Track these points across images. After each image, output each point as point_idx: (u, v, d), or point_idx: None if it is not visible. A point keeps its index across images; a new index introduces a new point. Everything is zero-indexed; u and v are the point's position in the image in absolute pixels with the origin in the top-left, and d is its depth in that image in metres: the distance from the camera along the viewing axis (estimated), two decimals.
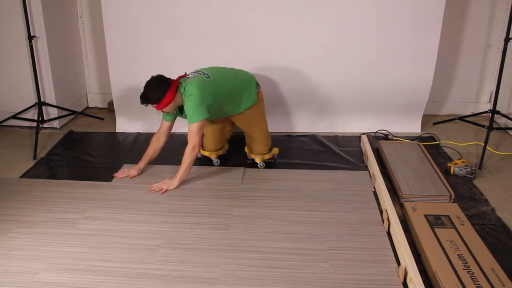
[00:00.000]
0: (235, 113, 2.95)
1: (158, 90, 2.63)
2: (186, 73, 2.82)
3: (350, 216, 2.52)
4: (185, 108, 2.69)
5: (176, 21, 3.42)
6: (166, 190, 2.79)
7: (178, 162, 3.15)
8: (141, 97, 2.68)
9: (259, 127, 3.04)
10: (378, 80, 3.54)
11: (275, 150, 3.16)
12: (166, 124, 2.89)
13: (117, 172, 2.99)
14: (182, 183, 2.84)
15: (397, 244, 2.23)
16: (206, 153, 3.15)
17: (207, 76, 2.80)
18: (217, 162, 3.15)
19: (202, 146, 3.10)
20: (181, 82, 2.72)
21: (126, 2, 3.39)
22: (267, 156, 3.09)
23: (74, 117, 3.97)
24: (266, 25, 3.41)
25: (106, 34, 3.48)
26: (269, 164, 3.13)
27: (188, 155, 2.73)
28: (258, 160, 3.08)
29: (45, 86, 3.66)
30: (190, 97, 2.65)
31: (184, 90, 2.69)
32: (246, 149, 3.18)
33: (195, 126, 2.67)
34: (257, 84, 3.00)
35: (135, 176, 2.95)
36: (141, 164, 2.97)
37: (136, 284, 2.05)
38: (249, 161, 3.15)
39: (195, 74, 2.82)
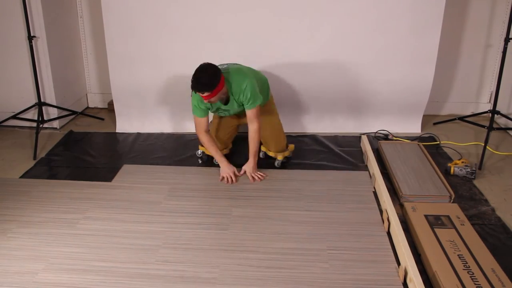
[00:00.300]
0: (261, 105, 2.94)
1: (213, 78, 2.61)
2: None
3: (350, 216, 2.52)
4: (245, 96, 2.73)
5: (176, 21, 3.42)
6: (260, 175, 2.90)
7: (177, 162, 3.16)
8: (197, 84, 2.60)
9: (272, 125, 3.05)
10: (378, 80, 3.54)
11: (291, 147, 3.18)
12: (203, 120, 2.84)
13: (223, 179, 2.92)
14: (181, 182, 2.86)
15: (397, 244, 2.23)
16: (209, 152, 3.15)
17: (241, 66, 2.90)
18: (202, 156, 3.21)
19: (203, 144, 3.09)
20: (223, 73, 2.71)
21: (126, 2, 3.39)
22: (287, 153, 3.12)
23: (74, 117, 3.97)
24: (267, 25, 3.41)
25: (106, 34, 3.48)
26: (269, 165, 3.13)
27: (257, 135, 2.86)
28: (279, 157, 3.08)
29: (45, 86, 3.66)
30: (248, 84, 2.72)
31: (231, 79, 2.73)
32: (262, 148, 3.17)
33: (256, 110, 2.79)
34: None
35: (237, 175, 2.93)
36: (225, 161, 2.93)
37: (136, 284, 2.05)
38: (269, 159, 3.15)
39: (226, 65, 2.86)
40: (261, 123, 2.87)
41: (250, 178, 2.89)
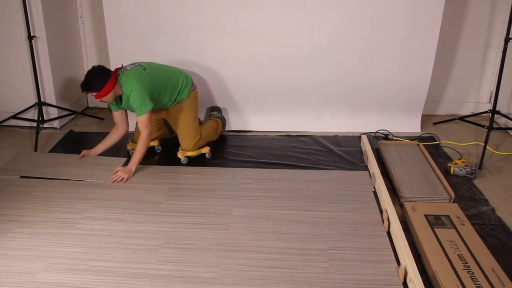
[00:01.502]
0: (166, 107, 3.12)
1: (100, 79, 2.76)
2: (122, 65, 2.96)
3: (350, 216, 2.52)
4: (131, 101, 2.84)
5: (177, 21, 3.42)
6: (127, 178, 2.90)
7: (177, 162, 3.16)
8: (82, 85, 2.80)
9: (185, 121, 3.12)
10: (377, 80, 3.54)
11: (205, 149, 3.22)
12: (116, 114, 3.05)
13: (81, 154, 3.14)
14: (181, 182, 2.86)
15: (397, 244, 2.23)
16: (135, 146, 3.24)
17: (143, 68, 2.94)
18: (159, 149, 3.32)
19: (133, 140, 3.27)
20: (119, 73, 2.85)
21: (127, 2, 3.39)
22: (189, 153, 3.15)
23: (74, 117, 3.97)
24: (266, 24, 3.41)
25: (108, 34, 3.48)
26: (269, 165, 3.14)
27: (145, 142, 2.92)
28: (179, 155, 3.14)
29: (45, 86, 3.66)
30: (134, 90, 2.81)
31: (123, 81, 2.84)
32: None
33: (145, 117, 2.86)
34: (192, 84, 3.19)
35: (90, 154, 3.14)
36: (98, 150, 3.14)
37: (136, 284, 2.05)
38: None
39: (132, 66, 2.96)
40: (151, 131, 2.93)
41: (114, 175, 2.90)
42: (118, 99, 2.95)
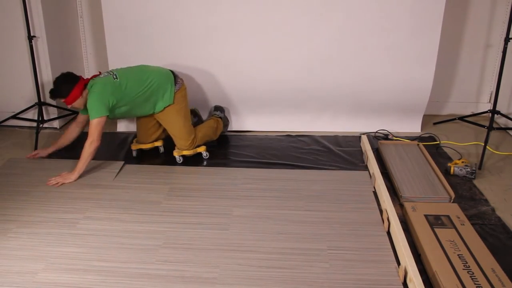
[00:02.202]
0: (151, 113, 3.11)
1: (65, 86, 2.82)
2: (100, 72, 2.99)
3: (350, 216, 2.52)
4: (87, 104, 2.86)
5: (176, 21, 3.42)
6: (62, 183, 2.87)
7: (177, 162, 3.16)
8: (50, 91, 2.85)
9: (177, 124, 3.13)
10: (378, 80, 3.54)
11: (201, 148, 3.23)
12: (82, 116, 3.13)
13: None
14: (181, 182, 2.85)
15: (397, 244, 2.23)
16: (141, 146, 3.27)
17: (115, 77, 2.94)
18: (162, 150, 3.32)
19: (137, 140, 3.31)
20: (91, 81, 2.90)
21: (127, 2, 3.39)
22: (185, 152, 3.17)
23: (74, 117, 3.96)
24: (267, 24, 3.41)
25: (107, 34, 3.48)
26: (269, 165, 3.14)
27: (87, 149, 2.87)
28: (175, 154, 3.16)
29: (45, 86, 3.66)
30: (91, 94, 2.84)
31: (91, 88, 2.87)
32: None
33: (94, 122, 2.83)
34: (176, 83, 3.11)
35: (42, 156, 3.19)
36: (51, 149, 3.21)
37: (136, 284, 2.05)
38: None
39: (106, 74, 2.98)
40: (98, 139, 2.85)
41: (53, 180, 2.87)
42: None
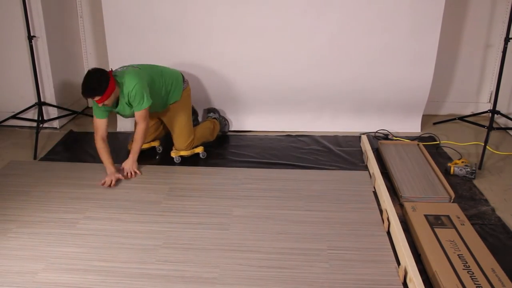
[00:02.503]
0: (158, 110, 3.10)
1: (102, 81, 2.69)
2: (112, 69, 2.90)
3: (350, 216, 2.52)
4: (132, 98, 2.80)
5: (176, 21, 3.42)
6: (135, 172, 2.95)
7: (176, 163, 3.16)
8: (84, 90, 2.69)
9: (179, 122, 3.13)
10: (378, 80, 3.54)
11: (199, 149, 3.23)
12: (103, 122, 2.89)
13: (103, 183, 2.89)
14: (181, 182, 2.87)
15: (397, 244, 2.23)
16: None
17: (135, 67, 2.94)
18: (160, 149, 3.32)
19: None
20: (114, 76, 2.81)
21: (127, 2, 3.39)
22: (183, 153, 3.17)
23: (74, 117, 3.97)
24: (267, 24, 3.41)
25: (107, 34, 3.48)
26: (269, 165, 3.14)
27: (143, 134, 2.92)
28: (172, 154, 3.16)
29: (45, 86, 3.66)
30: (136, 87, 2.77)
31: (123, 80, 2.79)
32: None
33: (144, 112, 2.85)
34: (183, 81, 3.16)
35: (118, 178, 2.91)
36: (112, 167, 2.92)
37: (136, 284, 2.05)
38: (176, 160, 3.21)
39: (125, 67, 2.93)
40: (148, 125, 2.94)
41: (127, 174, 2.95)
42: (114, 105, 2.89)
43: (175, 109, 3.12)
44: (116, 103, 2.88)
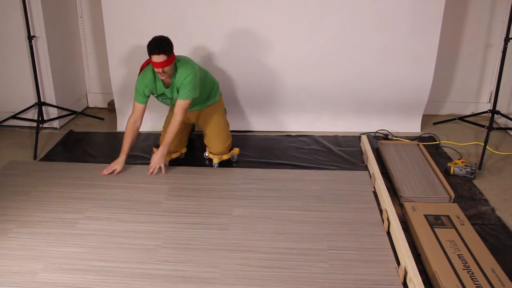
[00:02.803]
0: (200, 108, 3.08)
1: (170, 46, 2.72)
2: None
3: (350, 216, 2.52)
4: (184, 85, 2.79)
5: (176, 21, 3.42)
6: (160, 168, 2.93)
7: (177, 162, 3.16)
8: (155, 45, 2.67)
9: (218, 124, 3.09)
10: (378, 80, 3.54)
11: (235, 151, 3.18)
12: (141, 107, 2.92)
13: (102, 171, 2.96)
14: (181, 182, 2.87)
15: (397, 244, 2.23)
16: (174, 156, 3.13)
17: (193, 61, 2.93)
18: (167, 164, 3.09)
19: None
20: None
21: (127, 2, 3.39)
22: (225, 157, 3.11)
23: (74, 117, 3.97)
24: (267, 25, 3.41)
25: (107, 33, 3.48)
26: (269, 165, 3.14)
27: (176, 127, 2.86)
28: (215, 160, 3.07)
29: (45, 86, 3.66)
30: (190, 75, 2.78)
31: (178, 65, 2.80)
32: (206, 150, 3.16)
33: (187, 103, 2.83)
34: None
35: (119, 172, 2.95)
36: (123, 156, 2.97)
37: (136, 284, 2.05)
38: (207, 162, 3.17)
39: (181, 55, 2.91)
40: (182, 120, 2.88)
41: (152, 170, 2.92)
42: (159, 86, 2.88)
43: (214, 110, 3.10)
44: (168, 84, 2.86)
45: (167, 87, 2.88)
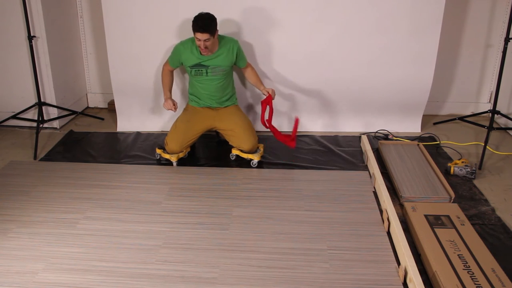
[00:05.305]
0: (218, 104, 3.18)
1: (215, 23, 2.90)
2: None
3: (350, 216, 2.52)
4: (240, 50, 3.14)
5: (176, 21, 3.42)
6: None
7: (177, 162, 3.16)
8: (201, 26, 2.83)
9: (242, 119, 3.15)
10: (378, 80, 3.54)
11: (261, 146, 3.22)
12: (171, 69, 3.21)
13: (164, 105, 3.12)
14: (181, 182, 2.86)
15: (397, 244, 2.23)
16: (166, 156, 3.11)
17: None
18: (186, 155, 3.21)
19: (164, 148, 3.14)
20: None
21: (127, 2, 3.39)
22: (261, 153, 3.15)
23: (74, 117, 3.97)
24: (267, 24, 3.41)
25: (107, 33, 3.48)
26: (269, 165, 3.13)
27: (256, 72, 3.29)
28: (256, 158, 3.08)
29: (45, 86, 3.66)
30: (238, 44, 3.12)
31: (222, 38, 3.09)
32: (233, 151, 3.16)
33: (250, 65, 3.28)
34: None
35: (175, 104, 3.11)
36: (168, 93, 3.16)
37: (137, 284, 2.05)
38: (233, 162, 3.17)
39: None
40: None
41: (273, 94, 3.11)
42: (196, 55, 3.04)
43: (236, 109, 3.23)
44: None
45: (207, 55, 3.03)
